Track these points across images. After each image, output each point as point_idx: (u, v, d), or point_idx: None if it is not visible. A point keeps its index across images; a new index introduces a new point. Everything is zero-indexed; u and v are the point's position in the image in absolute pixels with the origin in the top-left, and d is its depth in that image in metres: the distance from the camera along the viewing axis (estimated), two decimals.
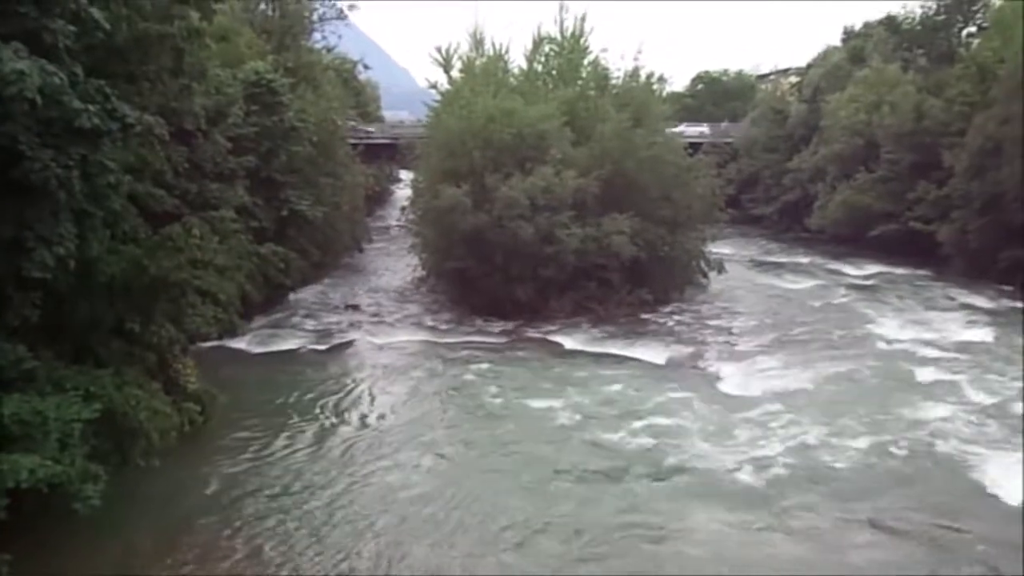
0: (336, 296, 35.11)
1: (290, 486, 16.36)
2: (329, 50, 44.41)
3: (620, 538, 14.49)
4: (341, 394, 22.72)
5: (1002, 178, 37.08)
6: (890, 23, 55.51)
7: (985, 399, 21.45)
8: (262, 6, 38.38)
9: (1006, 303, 33.76)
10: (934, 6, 52.84)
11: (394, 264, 40.85)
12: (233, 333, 23.21)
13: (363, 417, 20.99)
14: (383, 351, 27.35)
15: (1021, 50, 28.52)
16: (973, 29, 52.21)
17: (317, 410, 21.13)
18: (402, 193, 58.80)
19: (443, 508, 15.53)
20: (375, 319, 31.61)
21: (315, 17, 41.07)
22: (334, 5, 41.18)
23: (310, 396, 22.21)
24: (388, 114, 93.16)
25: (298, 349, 27.24)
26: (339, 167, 37.54)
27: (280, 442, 18.69)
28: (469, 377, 24.29)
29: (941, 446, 18.33)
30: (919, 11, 53.63)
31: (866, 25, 60.56)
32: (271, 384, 22.99)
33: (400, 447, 18.75)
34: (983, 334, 28.47)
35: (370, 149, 54.54)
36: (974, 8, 52.06)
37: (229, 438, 18.53)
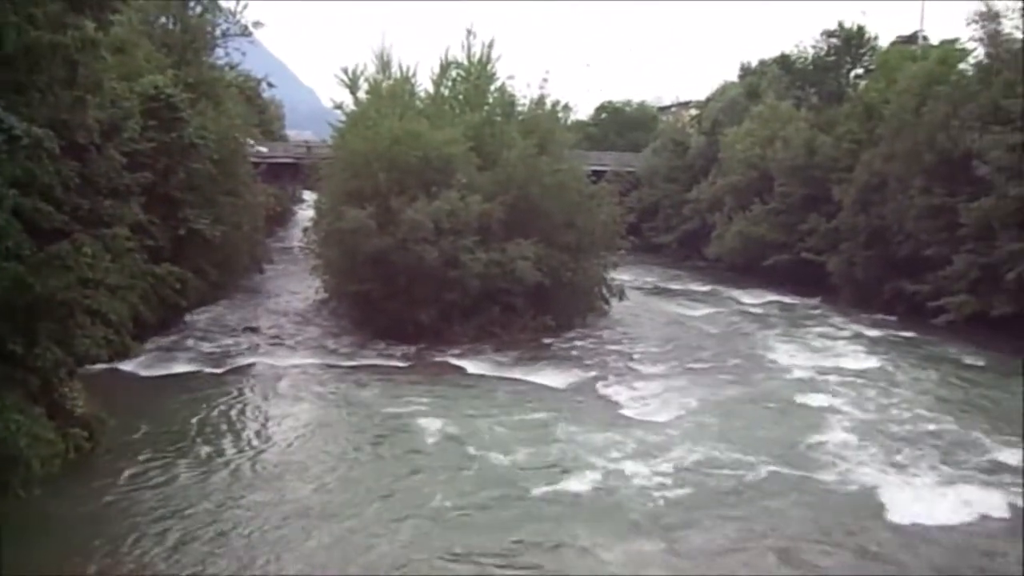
0: (235, 318, 34.24)
1: (179, 513, 15.76)
2: (232, 67, 43.60)
3: (514, 564, 14.48)
4: (237, 418, 22.13)
5: (886, 213, 38.98)
6: (784, 62, 58.04)
7: (873, 423, 22.31)
8: (162, 19, 37.36)
9: (890, 332, 35.32)
10: (825, 48, 55.65)
11: (295, 286, 40.12)
12: (125, 355, 22.38)
13: (259, 442, 20.46)
14: (282, 374, 26.76)
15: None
16: (860, 71, 55.13)
17: (211, 435, 20.53)
18: (305, 214, 57.96)
19: (330, 535, 15.22)
20: (275, 342, 30.96)
21: (218, 33, 40.18)
22: (238, 21, 40.35)
23: (205, 420, 21.56)
24: (292, 133, 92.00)
25: (194, 372, 26.40)
26: (240, 186, 36.76)
27: (172, 468, 18.04)
28: (369, 401, 24.01)
29: (833, 469, 18.91)
30: (811, 52, 56.39)
31: (761, 63, 63.22)
32: (165, 408, 22.19)
33: (296, 471, 18.33)
34: (870, 361, 29.71)
35: (273, 168, 53.73)
36: (861, 51, 55.03)
37: (118, 464, 17.78)
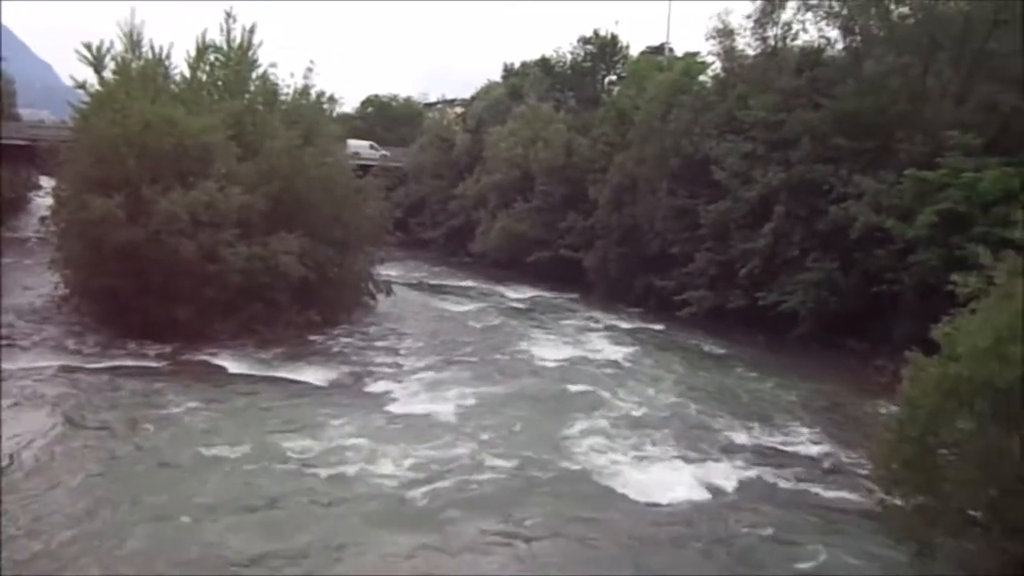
0: None
1: None
2: None
3: (281, 566, 14.03)
4: None
5: (637, 212, 41.62)
6: (544, 65, 60.63)
7: (622, 409, 23.65)
8: None
9: (640, 324, 37.70)
10: (582, 53, 58.78)
11: (31, 281, 36.46)
12: None
13: None
14: (14, 380, 24.13)
15: None
16: (614, 77, 58.69)
17: None
18: (43, 202, 52.85)
19: (75, 555, 14.03)
20: (5, 342, 27.96)
21: None
22: None
23: None
24: (26, 112, 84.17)
25: None
26: None
27: None
28: (117, 405, 22.22)
29: (585, 457, 19.81)
30: (569, 57, 59.38)
31: (524, 65, 65.45)
32: None
33: (32, 488, 16.65)
34: (620, 352, 31.51)
35: (3, 151, 48.68)
36: (615, 59, 58.66)
37: None
